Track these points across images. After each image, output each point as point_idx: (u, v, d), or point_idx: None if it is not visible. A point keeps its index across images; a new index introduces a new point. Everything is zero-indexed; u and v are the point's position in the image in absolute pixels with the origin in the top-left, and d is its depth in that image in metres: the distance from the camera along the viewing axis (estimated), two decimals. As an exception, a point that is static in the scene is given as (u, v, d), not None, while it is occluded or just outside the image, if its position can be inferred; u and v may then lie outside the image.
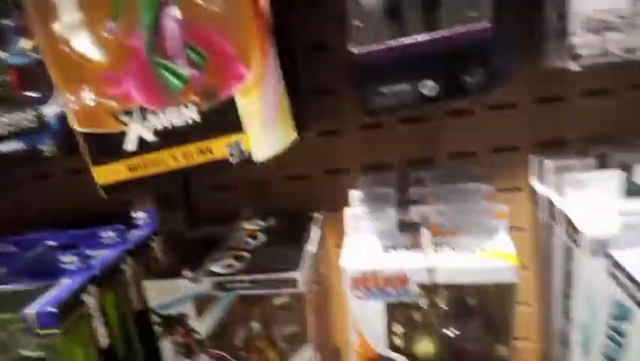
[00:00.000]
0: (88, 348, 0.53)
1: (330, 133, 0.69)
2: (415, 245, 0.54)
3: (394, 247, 0.54)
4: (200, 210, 0.73)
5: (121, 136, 0.43)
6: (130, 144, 0.43)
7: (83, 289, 0.52)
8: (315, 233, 0.62)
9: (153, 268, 0.59)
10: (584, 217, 0.50)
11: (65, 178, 0.76)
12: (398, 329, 0.55)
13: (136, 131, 0.43)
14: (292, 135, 0.49)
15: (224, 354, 0.57)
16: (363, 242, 0.55)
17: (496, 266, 0.50)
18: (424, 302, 0.53)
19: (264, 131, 0.44)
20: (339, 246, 0.71)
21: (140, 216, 0.68)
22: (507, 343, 0.55)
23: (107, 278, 0.57)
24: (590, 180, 0.52)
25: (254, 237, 0.61)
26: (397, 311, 0.54)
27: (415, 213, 0.55)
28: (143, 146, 0.43)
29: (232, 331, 0.57)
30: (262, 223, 0.65)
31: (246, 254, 0.57)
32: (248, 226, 0.65)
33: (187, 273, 0.52)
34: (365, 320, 0.54)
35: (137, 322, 0.61)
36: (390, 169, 0.69)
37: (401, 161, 0.68)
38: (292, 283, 0.53)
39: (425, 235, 0.52)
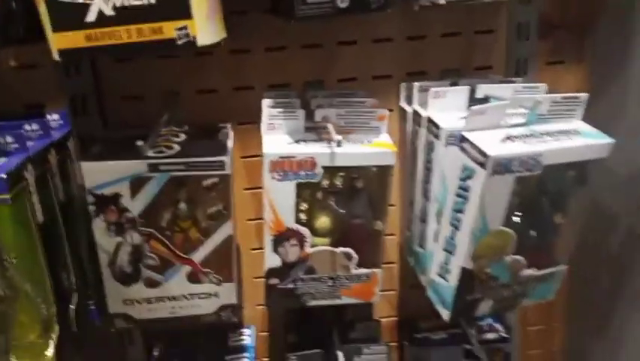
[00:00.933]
0: (29, 222, 0.57)
1: (239, 52, 0.78)
2: (321, 139, 0.67)
3: (304, 140, 0.67)
4: (111, 117, 0.77)
5: (83, 7, 0.49)
6: (90, 16, 0.49)
7: (23, 165, 0.56)
8: (230, 136, 0.71)
9: (88, 152, 0.64)
10: (442, 118, 0.68)
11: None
12: (303, 206, 0.68)
13: (98, 4, 0.49)
14: (224, 33, 0.58)
15: (153, 231, 0.65)
16: (279, 136, 0.67)
17: (379, 151, 0.66)
18: (325, 183, 0.67)
19: (208, 21, 0.53)
20: (243, 156, 0.82)
21: (53, 118, 0.71)
22: (383, 219, 0.71)
23: (39, 163, 0.61)
24: (445, 92, 0.70)
25: (176, 135, 0.69)
26: (304, 191, 0.67)
27: (318, 115, 0.68)
28: (102, 19, 0.49)
29: (160, 211, 0.65)
30: (179, 128, 0.73)
31: (174, 145, 0.65)
32: (165, 130, 0.72)
33: (140, 142, 0.58)
34: (279, 199, 0.66)
35: (61, 212, 0.65)
36: (289, 88, 0.81)
37: (297, 82, 0.81)
38: (220, 165, 0.63)
39: (331, 128, 0.65)
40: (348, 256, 0.71)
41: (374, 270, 0.73)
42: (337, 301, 0.74)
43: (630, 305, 0.83)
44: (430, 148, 0.71)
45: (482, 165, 0.57)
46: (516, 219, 0.63)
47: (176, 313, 0.71)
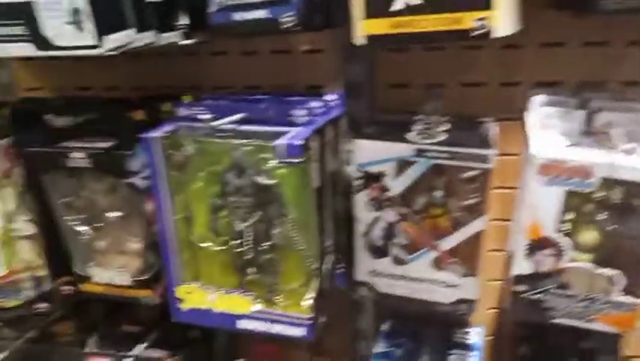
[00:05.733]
0: (308, 185, 0.66)
1: (511, 47, 0.76)
2: (600, 146, 0.61)
3: (580, 145, 0.62)
4: (379, 102, 0.83)
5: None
6: (397, 5, 0.53)
7: (312, 135, 0.65)
8: (493, 130, 0.70)
9: (362, 132, 0.70)
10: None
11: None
12: (569, 216, 0.63)
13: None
14: (519, 25, 0.57)
15: (408, 212, 0.68)
16: (550, 137, 0.63)
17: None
18: (599, 195, 0.61)
19: (509, 11, 0.53)
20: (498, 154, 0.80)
21: (332, 97, 0.79)
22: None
23: (320, 136, 0.69)
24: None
25: (440, 125, 0.71)
26: (572, 200, 0.62)
27: (600, 119, 0.63)
28: (408, 9, 0.53)
29: (416, 196, 0.68)
30: (442, 118, 0.74)
31: (439, 133, 0.67)
32: (428, 119, 0.74)
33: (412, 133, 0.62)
34: (542, 204, 0.62)
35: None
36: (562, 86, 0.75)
37: (570, 82, 0.75)
38: (484, 159, 0.62)
39: (615, 134, 0.59)
40: (611, 280, 0.64)
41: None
42: (589, 326, 0.67)
43: None
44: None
45: None
46: None
47: (415, 295, 0.73)
